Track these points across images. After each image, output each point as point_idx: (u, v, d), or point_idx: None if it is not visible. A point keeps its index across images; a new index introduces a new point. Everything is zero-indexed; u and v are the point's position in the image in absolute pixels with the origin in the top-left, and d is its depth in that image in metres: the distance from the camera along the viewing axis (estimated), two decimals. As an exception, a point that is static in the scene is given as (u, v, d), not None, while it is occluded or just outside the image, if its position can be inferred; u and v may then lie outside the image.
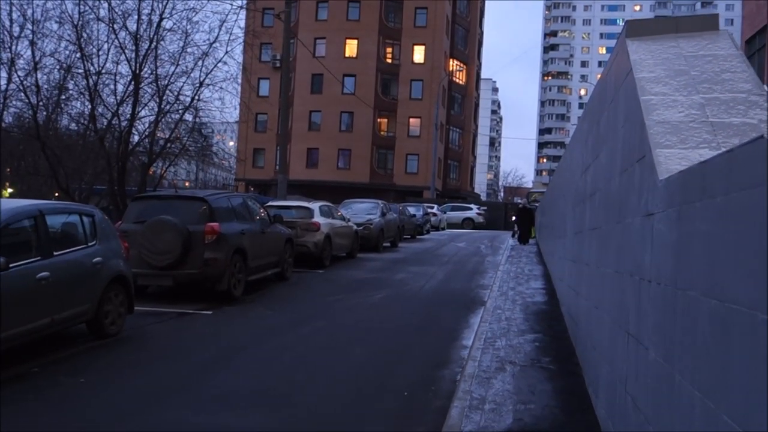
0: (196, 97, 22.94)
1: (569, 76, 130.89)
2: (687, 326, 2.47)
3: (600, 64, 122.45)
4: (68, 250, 7.28)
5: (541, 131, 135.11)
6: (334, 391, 6.18)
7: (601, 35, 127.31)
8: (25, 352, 6.88)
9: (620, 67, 4.69)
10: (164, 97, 22.47)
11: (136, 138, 23.76)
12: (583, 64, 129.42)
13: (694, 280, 2.41)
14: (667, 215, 2.85)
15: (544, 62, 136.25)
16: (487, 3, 72.07)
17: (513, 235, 26.46)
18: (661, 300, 2.90)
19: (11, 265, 6.17)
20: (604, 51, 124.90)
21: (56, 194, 24.56)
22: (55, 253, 6.95)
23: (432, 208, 36.65)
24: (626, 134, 4.21)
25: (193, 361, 7.18)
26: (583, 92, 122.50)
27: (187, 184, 58.17)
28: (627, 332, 3.77)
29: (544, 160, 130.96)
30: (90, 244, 7.69)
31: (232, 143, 67.97)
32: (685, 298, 2.50)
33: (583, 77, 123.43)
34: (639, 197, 3.60)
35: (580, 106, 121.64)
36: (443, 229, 35.73)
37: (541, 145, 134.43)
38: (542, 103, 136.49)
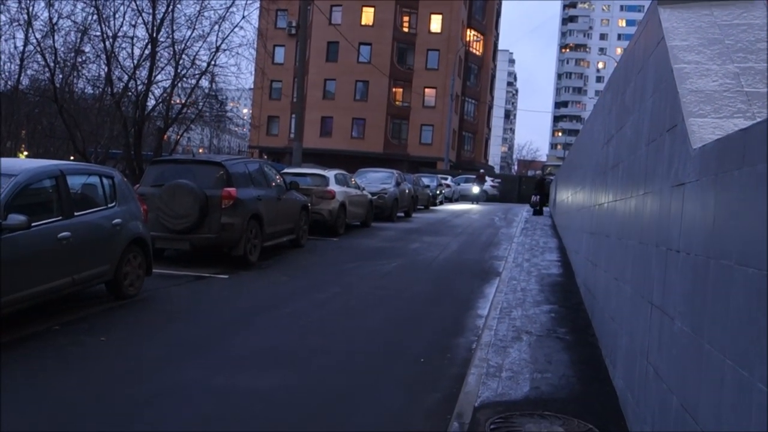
0: (213, 62, 22.85)
1: (587, 49, 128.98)
2: (719, 295, 2.45)
3: (620, 36, 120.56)
4: (88, 211, 7.32)
5: (557, 104, 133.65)
6: (350, 356, 6.23)
7: (622, 7, 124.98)
8: (46, 310, 6.98)
9: (651, 35, 4.60)
10: (180, 62, 22.40)
11: (152, 102, 23.76)
12: (602, 36, 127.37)
13: (728, 248, 2.39)
14: (701, 184, 2.82)
15: (563, 34, 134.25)
16: (506, -28, 70.81)
17: (532, 205, 27.22)
18: (691, 270, 2.88)
19: (33, 224, 6.21)
20: (624, 24, 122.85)
21: (72, 158, 24.68)
22: (75, 214, 7.00)
23: (446, 179, 36.55)
24: (656, 104, 4.14)
25: (210, 323, 7.25)
26: (601, 65, 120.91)
27: (201, 150, 58.26)
28: (650, 303, 3.75)
29: (560, 134, 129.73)
30: (110, 205, 7.73)
31: (246, 110, 67.86)
32: (719, 267, 2.47)
33: (602, 50, 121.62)
34: (668, 167, 3.55)
35: (598, 79, 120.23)
36: (456, 200, 35.66)
37: (556, 119, 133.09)
38: (559, 76, 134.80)
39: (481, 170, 42.66)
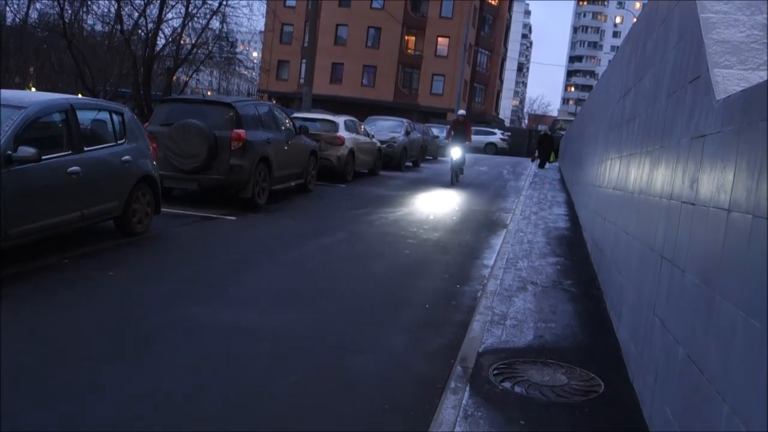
0: (224, 2, 22.47)
1: (605, 2, 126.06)
2: (735, 247, 2.43)
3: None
4: (98, 147, 7.30)
5: (572, 59, 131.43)
6: (356, 299, 6.28)
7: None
8: (56, 244, 7.03)
9: (678, -17, 4.46)
10: (192, 0, 22.02)
11: (162, 42, 23.46)
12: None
13: (748, 200, 2.35)
14: (723, 136, 2.76)
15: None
16: None
17: (532, 160, 27.45)
18: (706, 222, 2.85)
19: (43, 158, 6.20)
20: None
21: (80, 95, 24.53)
22: (85, 149, 6.98)
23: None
24: (679, 55, 4.05)
25: (217, 262, 7.30)
26: (618, 20, 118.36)
27: (209, 92, 57.79)
28: (661, 256, 3.74)
29: (572, 89, 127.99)
30: (119, 142, 7.71)
31: (256, 54, 66.99)
32: (737, 219, 2.45)
33: (620, 4, 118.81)
34: (689, 119, 3.49)
35: (615, 34, 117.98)
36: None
37: (570, 73, 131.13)
38: (575, 30, 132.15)
39: (461, 112, 19.28)
